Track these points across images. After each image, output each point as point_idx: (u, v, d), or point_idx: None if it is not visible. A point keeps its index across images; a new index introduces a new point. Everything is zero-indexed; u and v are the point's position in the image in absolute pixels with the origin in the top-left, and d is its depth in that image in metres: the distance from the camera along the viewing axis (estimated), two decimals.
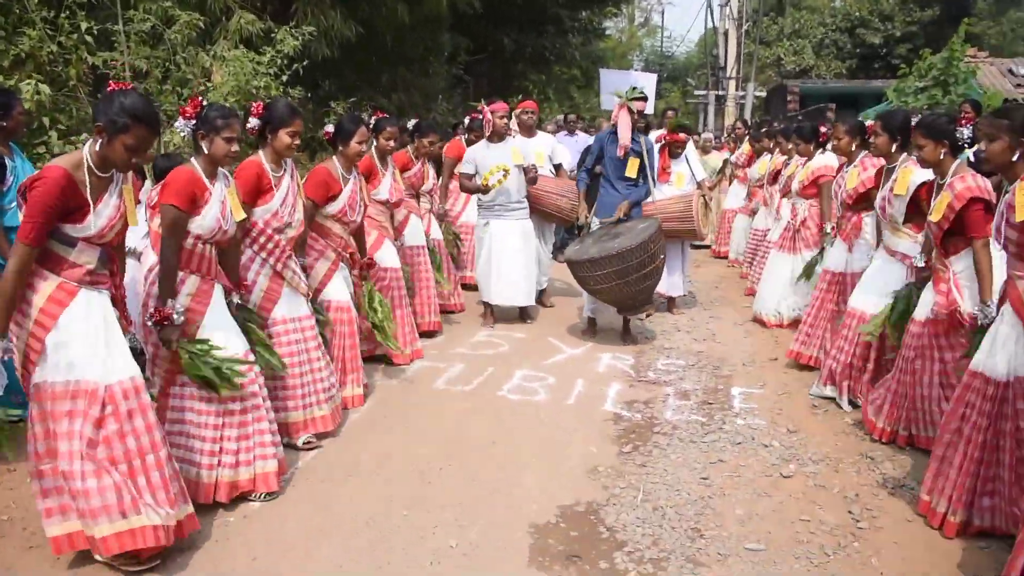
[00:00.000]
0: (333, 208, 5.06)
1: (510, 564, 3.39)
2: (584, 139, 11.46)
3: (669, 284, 7.83)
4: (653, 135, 8.51)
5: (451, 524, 3.70)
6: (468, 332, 7.21)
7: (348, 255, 5.29)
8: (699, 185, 8.20)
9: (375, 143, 5.93)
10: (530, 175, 7.10)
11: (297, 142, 4.40)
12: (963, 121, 4.25)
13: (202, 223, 3.67)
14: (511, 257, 7.12)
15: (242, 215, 3.98)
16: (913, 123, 4.46)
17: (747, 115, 24.23)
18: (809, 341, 6.09)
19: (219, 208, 3.73)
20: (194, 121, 3.70)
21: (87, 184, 3.09)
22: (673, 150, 8.29)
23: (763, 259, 8.19)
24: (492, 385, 5.77)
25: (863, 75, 27.16)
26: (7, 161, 4.55)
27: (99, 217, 3.14)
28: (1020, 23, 27.97)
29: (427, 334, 6.83)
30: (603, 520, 3.78)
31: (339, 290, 5.15)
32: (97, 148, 3.12)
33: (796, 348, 6.19)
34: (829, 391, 5.41)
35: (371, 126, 5.64)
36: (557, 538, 3.61)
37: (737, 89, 26.46)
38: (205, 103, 3.75)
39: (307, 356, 4.55)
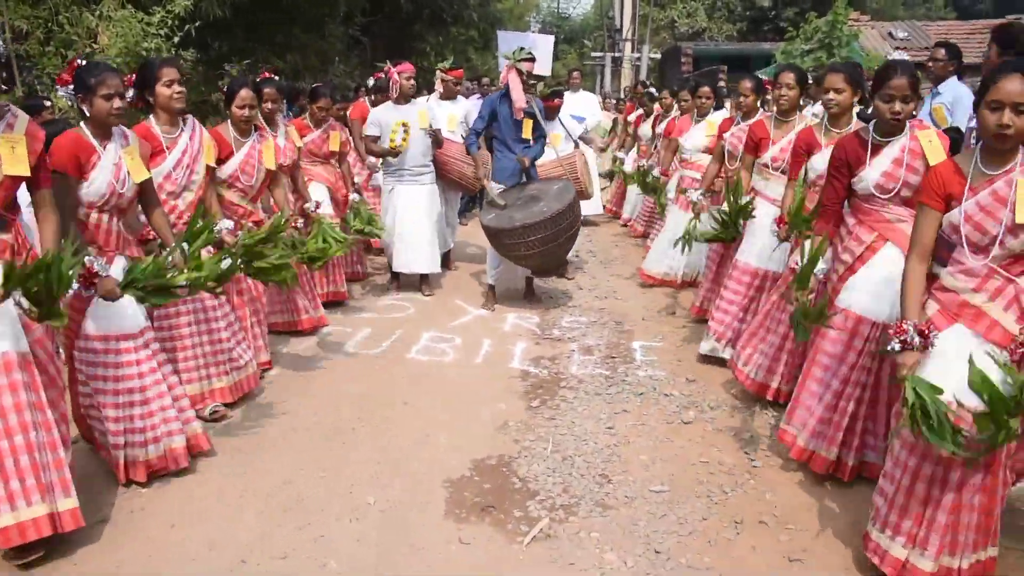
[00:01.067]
0: (224, 172, 4.89)
1: (428, 517, 3.49)
2: None
3: None
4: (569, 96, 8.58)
5: (368, 482, 3.78)
6: (374, 296, 7.22)
7: (253, 225, 4.97)
8: (576, 144, 8.24)
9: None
10: (434, 138, 7.03)
11: (179, 89, 4.17)
12: None
13: (91, 188, 3.54)
14: (416, 222, 7.02)
15: (145, 175, 3.78)
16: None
17: (643, 76, 24.60)
18: (711, 297, 5.96)
19: (112, 171, 3.59)
20: (71, 86, 3.58)
21: None
22: (548, 114, 7.78)
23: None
24: (401, 348, 5.83)
25: (753, 37, 27.81)
26: None
27: None
28: None
29: (332, 303, 6.70)
30: (515, 472, 3.92)
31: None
32: None
33: (699, 304, 6.28)
34: (714, 348, 5.42)
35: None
36: (472, 491, 3.73)
37: (633, 51, 26.77)
38: (80, 64, 3.61)
39: (207, 327, 4.41)
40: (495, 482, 3.82)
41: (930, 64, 5.99)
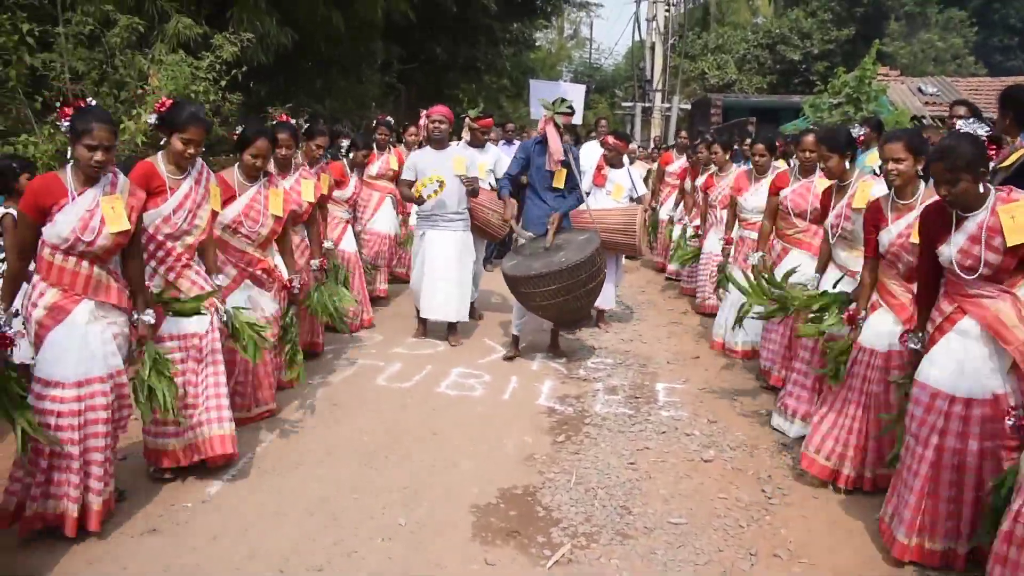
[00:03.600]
0: (226, 217, 4.70)
1: (455, 540, 3.66)
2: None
3: (602, 298, 7.31)
4: (588, 146, 8.58)
5: (398, 505, 3.96)
6: (405, 332, 7.40)
7: (262, 272, 4.90)
8: (639, 200, 7.86)
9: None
10: (470, 187, 6.90)
11: (191, 151, 4.05)
12: (859, 141, 4.59)
13: (53, 231, 3.42)
14: (444, 269, 6.90)
15: (124, 226, 3.56)
16: (888, 137, 4.21)
17: (672, 127, 24.94)
18: (775, 360, 5.82)
19: (80, 217, 3.44)
20: (67, 123, 3.47)
21: None
22: (610, 157, 7.84)
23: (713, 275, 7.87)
24: (430, 382, 6.03)
25: (783, 90, 28.10)
26: None
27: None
28: (929, 44, 29.32)
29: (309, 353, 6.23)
30: (539, 501, 4.08)
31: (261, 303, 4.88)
32: None
33: (764, 367, 5.98)
34: (787, 426, 5.11)
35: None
36: (498, 517, 3.90)
37: (663, 101, 27.18)
38: (80, 106, 3.49)
39: (198, 377, 4.18)
40: (520, 509, 3.99)
41: (951, 121, 6.16)
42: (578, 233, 6.64)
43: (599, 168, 7.88)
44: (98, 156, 3.44)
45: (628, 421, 5.28)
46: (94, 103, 3.60)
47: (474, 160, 7.39)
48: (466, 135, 8.31)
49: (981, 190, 3.31)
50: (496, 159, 8.25)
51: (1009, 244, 3.22)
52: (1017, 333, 3.23)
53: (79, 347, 3.48)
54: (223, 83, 8.76)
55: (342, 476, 4.29)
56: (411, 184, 6.92)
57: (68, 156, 3.52)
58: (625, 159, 8.25)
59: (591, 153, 9.86)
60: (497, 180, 7.86)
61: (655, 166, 12.59)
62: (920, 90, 21.12)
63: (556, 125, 6.64)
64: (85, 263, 3.52)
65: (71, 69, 7.93)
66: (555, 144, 6.61)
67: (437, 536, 3.69)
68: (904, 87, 21.13)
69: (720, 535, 3.78)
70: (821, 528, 3.88)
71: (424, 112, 7.14)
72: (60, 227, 3.41)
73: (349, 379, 6.03)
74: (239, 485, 4.15)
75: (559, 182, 6.71)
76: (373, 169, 8.34)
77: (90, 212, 3.47)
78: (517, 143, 12.06)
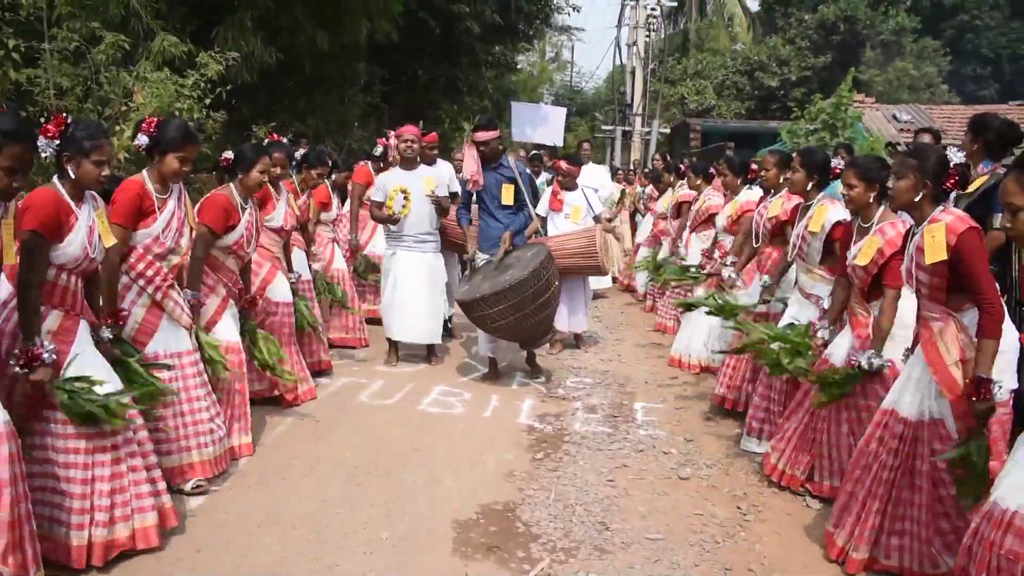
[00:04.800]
0: (230, 239, 4.74)
1: (436, 554, 3.72)
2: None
3: (573, 322, 7.76)
4: (589, 168, 8.66)
5: (381, 520, 4.02)
6: (382, 356, 7.28)
7: (237, 291, 4.93)
8: (596, 219, 7.91)
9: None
10: (440, 206, 6.82)
11: (186, 168, 4.10)
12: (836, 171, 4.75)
13: (66, 251, 3.33)
14: (414, 291, 6.75)
15: (112, 240, 3.64)
16: (843, 164, 4.47)
17: (651, 150, 25.20)
18: (732, 384, 5.81)
19: (86, 234, 3.41)
20: (57, 141, 3.31)
21: None
22: (564, 182, 7.93)
23: (675, 292, 8.24)
24: (412, 399, 6.09)
25: (761, 116, 28.51)
26: None
27: None
28: (904, 72, 29.84)
29: (319, 372, 6.46)
30: (519, 517, 4.15)
31: (229, 329, 4.77)
32: None
33: (721, 392, 5.90)
34: (754, 445, 5.14)
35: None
36: (478, 532, 3.96)
37: (643, 125, 27.51)
38: (70, 120, 3.38)
39: (186, 396, 4.19)
40: (500, 525, 4.05)
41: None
42: (528, 249, 6.59)
43: (554, 193, 7.93)
44: (105, 171, 3.44)
45: (607, 439, 5.36)
46: (70, 119, 3.42)
47: (443, 177, 7.10)
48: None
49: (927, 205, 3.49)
50: (449, 173, 7.79)
51: (928, 262, 3.36)
52: (946, 358, 3.35)
53: (100, 364, 3.50)
54: (207, 101, 8.82)
55: (326, 491, 4.33)
56: (381, 205, 6.81)
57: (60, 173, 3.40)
58: (605, 176, 8.41)
59: (593, 174, 9.83)
60: (451, 195, 7.62)
61: (633, 188, 12.81)
62: (895, 117, 21.53)
63: (474, 143, 6.66)
64: (77, 280, 3.49)
65: (56, 85, 7.97)
66: (469, 164, 6.67)
67: (419, 550, 3.74)
68: (879, 114, 21.54)
69: (696, 550, 3.85)
70: (795, 544, 3.96)
71: (393, 132, 7.06)
72: (73, 246, 3.35)
73: (332, 396, 6.07)
74: (223, 498, 4.19)
75: (507, 198, 6.72)
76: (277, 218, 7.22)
77: (90, 228, 3.45)
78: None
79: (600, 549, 3.83)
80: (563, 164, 8.01)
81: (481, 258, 6.70)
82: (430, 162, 7.29)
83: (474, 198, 7.02)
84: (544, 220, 7.64)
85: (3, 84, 7.23)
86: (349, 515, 4.05)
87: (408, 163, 6.83)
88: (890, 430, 3.57)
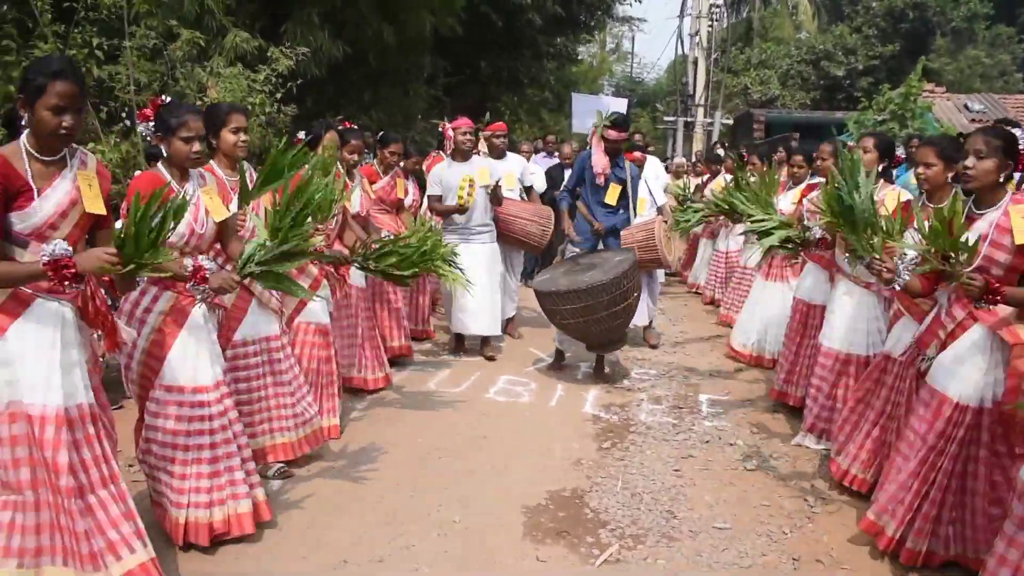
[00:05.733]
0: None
1: (507, 538, 3.83)
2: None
3: (637, 314, 7.19)
4: (652, 161, 8.45)
5: (453, 503, 4.13)
6: (445, 347, 7.47)
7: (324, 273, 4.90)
8: (659, 211, 7.85)
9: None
10: (496, 195, 6.86)
11: (244, 138, 4.05)
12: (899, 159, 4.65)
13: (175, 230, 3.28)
14: (475, 281, 6.22)
15: (225, 213, 3.66)
16: (919, 143, 4.35)
17: (714, 141, 24.95)
18: (792, 380, 5.69)
19: (191, 212, 3.44)
20: (152, 123, 3.47)
21: (28, 170, 2.77)
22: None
23: (739, 283, 8.32)
24: (479, 388, 6.22)
25: (826, 106, 27.93)
26: None
27: (46, 201, 2.79)
28: (976, 60, 29.00)
29: (395, 360, 6.62)
30: (587, 504, 4.23)
31: (318, 310, 4.82)
32: (26, 127, 2.81)
33: (779, 387, 5.82)
34: (812, 442, 5.09)
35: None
36: (547, 517, 4.05)
37: (705, 116, 27.20)
38: (164, 102, 3.50)
39: (273, 379, 4.27)
40: (568, 511, 4.13)
41: None
42: (617, 253, 6.52)
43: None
44: (196, 147, 3.47)
45: (672, 430, 5.40)
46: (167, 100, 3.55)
47: (497, 170, 7.10)
48: (483, 147, 7.77)
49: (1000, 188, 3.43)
50: (522, 168, 8.03)
51: (1018, 242, 3.26)
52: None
53: (209, 350, 3.57)
54: (278, 95, 9.03)
55: (399, 475, 4.48)
56: (439, 199, 6.89)
57: (153, 157, 3.55)
58: (660, 167, 8.36)
59: (650, 165, 9.67)
60: (525, 189, 7.96)
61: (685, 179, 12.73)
62: (966, 107, 20.97)
63: (603, 138, 6.60)
64: (189, 260, 3.35)
65: (135, 81, 8.24)
66: (596, 158, 6.63)
67: (490, 534, 3.84)
68: (950, 104, 20.99)
69: (764, 540, 3.89)
70: (863, 537, 3.95)
71: (449, 125, 7.08)
72: (179, 225, 3.21)
73: (399, 383, 6.22)
74: (297, 483, 4.35)
75: (611, 198, 6.71)
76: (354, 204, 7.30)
77: (195, 206, 3.49)
78: (557, 155, 12.27)
79: (668, 536, 3.89)
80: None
81: (571, 250, 6.74)
82: (500, 154, 7.38)
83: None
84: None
85: (87, 80, 7.48)
86: (422, 498, 4.18)
87: (463, 155, 6.86)
88: (945, 416, 3.46)
